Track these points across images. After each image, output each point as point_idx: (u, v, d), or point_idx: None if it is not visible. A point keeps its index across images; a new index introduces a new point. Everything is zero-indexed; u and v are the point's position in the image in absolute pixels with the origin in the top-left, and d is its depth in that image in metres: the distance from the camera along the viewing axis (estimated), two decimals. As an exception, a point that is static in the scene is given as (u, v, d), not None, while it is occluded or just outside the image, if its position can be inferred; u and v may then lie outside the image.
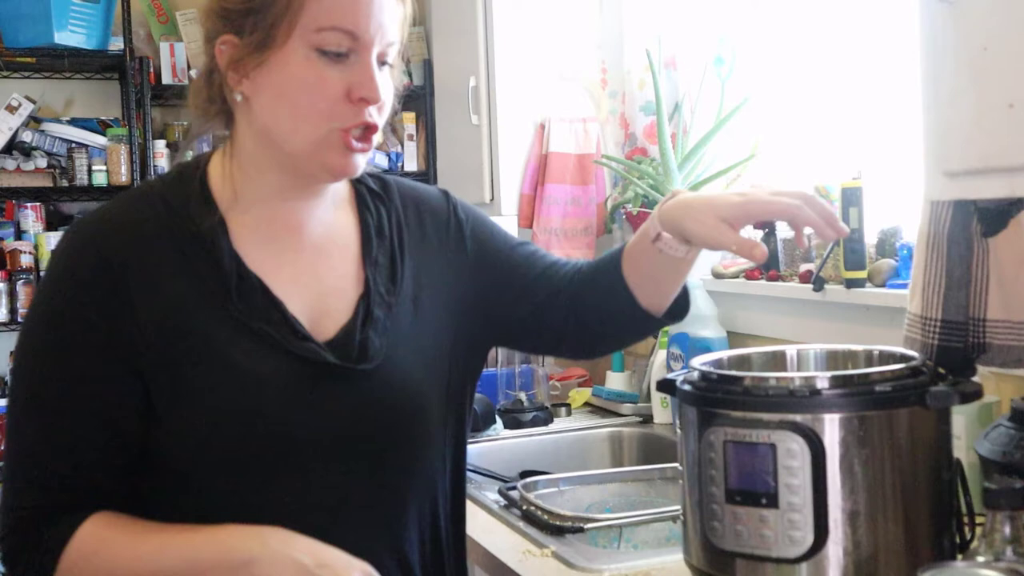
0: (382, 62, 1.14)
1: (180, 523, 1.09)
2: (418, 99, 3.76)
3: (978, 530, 1.10)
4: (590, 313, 1.29)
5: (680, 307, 1.32)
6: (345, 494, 1.15)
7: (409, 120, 3.87)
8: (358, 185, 1.27)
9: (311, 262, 1.19)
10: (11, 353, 3.66)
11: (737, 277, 2.41)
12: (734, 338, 2.42)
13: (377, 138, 1.16)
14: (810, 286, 2.09)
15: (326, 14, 1.09)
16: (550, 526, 1.69)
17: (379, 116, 1.14)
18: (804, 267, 2.19)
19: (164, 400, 1.10)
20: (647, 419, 2.54)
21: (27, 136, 3.63)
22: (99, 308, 1.09)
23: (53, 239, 3.67)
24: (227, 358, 1.10)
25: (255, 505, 1.11)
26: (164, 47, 3.76)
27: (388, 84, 1.15)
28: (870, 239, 2.01)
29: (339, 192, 1.25)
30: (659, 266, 1.24)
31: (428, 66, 3.61)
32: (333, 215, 1.23)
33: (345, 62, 1.11)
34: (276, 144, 1.14)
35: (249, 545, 1.04)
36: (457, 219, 1.31)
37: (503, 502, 1.87)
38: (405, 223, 1.27)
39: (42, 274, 3.58)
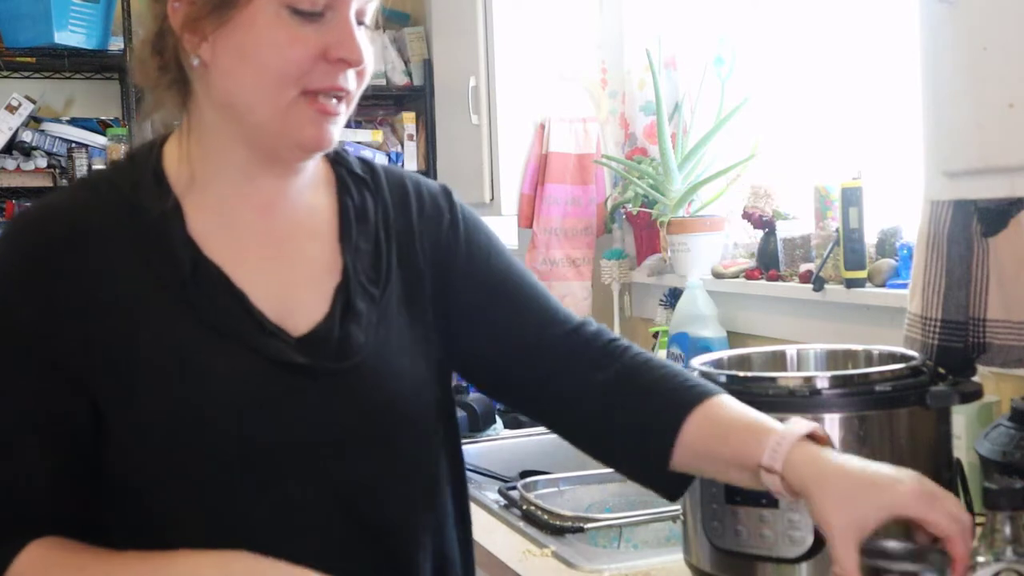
0: (360, 22, 1.02)
1: (140, 550, 0.96)
2: (418, 99, 3.76)
3: (978, 530, 1.10)
4: (601, 424, 1.12)
5: (680, 486, 1.11)
6: (329, 513, 1.02)
7: (409, 120, 3.87)
8: (338, 167, 1.13)
9: (280, 249, 1.05)
10: None
11: (737, 277, 2.41)
12: (734, 338, 2.42)
13: (347, 107, 1.04)
14: (810, 286, 2.09)
15: None
16: (550, 526, 1.69)
17: (356, 83, 1.02)
18: (804, 267, 2.19)
19: (112, 408, 0.97)
20: (647, 419, 2.54)
21: (27, 136, 3.63)
22: (32, 312, 0.97)
23: (53, 239, 3.67)
24: (180, 357, 0.97)
25: (225, 527, 0.98)
26: (164, 47, 3.75)
27: (368, 47, 1.02)
28: (870, 239, 2.01)
29: (317, 174, 1.11)
30: (724, 471, 1.05)
31: (428, 66, 3.61)
32: (309, 198, 1.09)
33: (320, 20, 0.99)
34: (239, 115, 1.02)
35: (205, 575, 0.92)
36: (453, 216, 1.16)
37: (503, 502, 1.87)
38: (392, 210, 1.12)
39: None
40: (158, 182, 1.04)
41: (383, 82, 3.60)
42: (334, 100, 1.01)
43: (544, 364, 1.12)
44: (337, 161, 1.14)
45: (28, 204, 3.66)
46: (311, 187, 1.10)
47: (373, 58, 1.04)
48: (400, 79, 3.68)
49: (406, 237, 1.12)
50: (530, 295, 1.16)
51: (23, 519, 0.96)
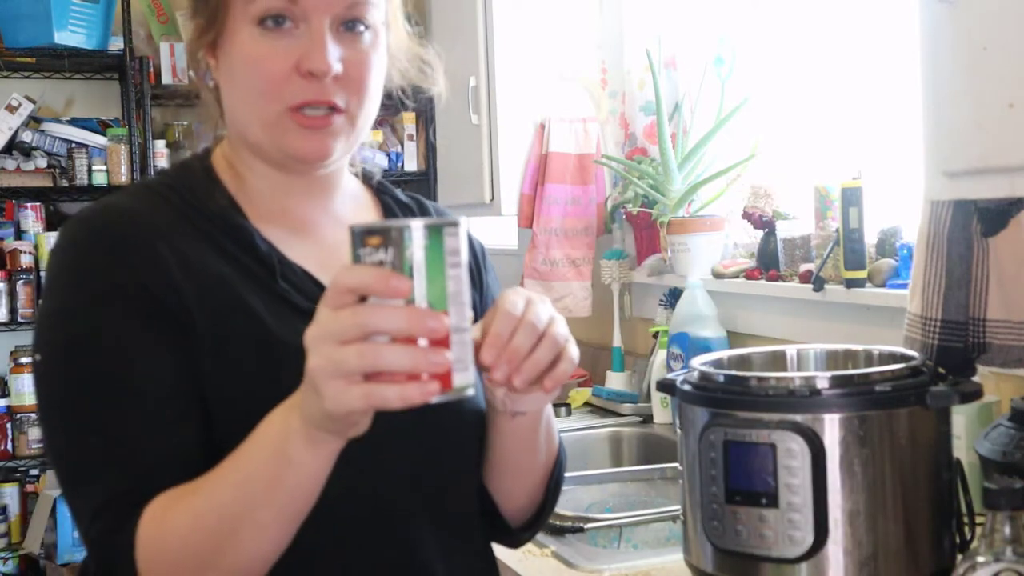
0: (353, 24, 1.01)
1: None
2: (418, 99, 3.76)
3: (978, 530, 1.10)
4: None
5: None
6: (392, 481, 1.04)
7: (409, 120, 3.87)
8: (383, 196, 1.18)
9: (334, 255, 1.06)
10: (11, 354, 3.65)
11: (737, 277, 2.41)
12: (734, 338, 2.42)
13: (349, 121, 1.03)
14: (810, 286, 2.09)
15: None
16: (550, 526, 1.69)
17: (345, 96, 1.01)
18: (804, 267, 2.19)
19: (214, 380, 0.97)
20: (647, 419, 2.54)
21: (27, 136, 3.64)
22: (140, 282, 0.96)
23: (53, 239, 3.66)
24: (278, 337, 0.98)
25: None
26: (164, 47, 3.75)
27: (360, 57, 1.01)
28: (870, 239, 2.01)
29: (362, 200, 1.16)
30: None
31: (436, 56, 3.61)
32: (356, 215, 1.13)
33: (293, 33, 0.99)
34: (243, 133, 1.06)
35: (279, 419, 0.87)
36: (475, 258, 1.21)
37: (503, 502, 1.87)
38: None
39: (42, 273, 3.60)
40: (214, 184, 1.07)
41: (383, 82, 3.60)
42: (322, 112, 1.01)
43: None
44: (382, 190, 1.19)
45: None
46: (355, 207, 1.14)
47: (373, 68, 1.03)
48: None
49: None
50: None
51: (160, 481, 0.93)
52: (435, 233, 0.77)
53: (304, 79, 0.99)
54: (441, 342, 0.77)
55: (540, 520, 1.20)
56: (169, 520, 0.91)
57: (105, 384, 0.95)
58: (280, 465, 0.86)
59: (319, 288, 1.03)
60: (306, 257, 1.07)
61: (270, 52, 0.99)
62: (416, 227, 0.76)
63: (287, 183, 1.08)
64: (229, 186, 1.08)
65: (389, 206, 1.18)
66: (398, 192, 1.20)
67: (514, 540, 1.22)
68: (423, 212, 1.20)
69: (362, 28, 1.02)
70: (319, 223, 1.10)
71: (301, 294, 1.03)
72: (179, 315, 0.97)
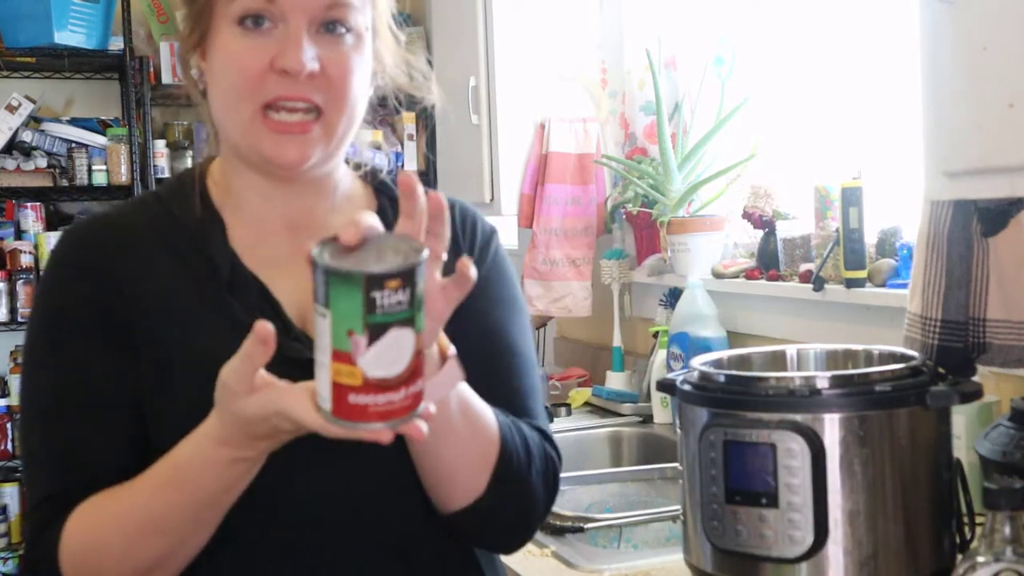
0: (333, 26, 1.01)
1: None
2: (414, 105, 3.76)
3: (978, 530, 1.10)
4: None
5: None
6: (333, 498, 1.03)
7: (409, 120, 3.87)
8: (381, 196, 1.16)
9: (303, 264, 1.05)
10: (11, 354, 3.66)
11: (737, 277, 2.41)
12: (734, 338, 2.42)
13: (326, 125, 1.02)
14: (810, 286, 2.09)
15: None
16: (550, 526, 1.69)
17: (321, 94, 1.01)
18: (804, 267, 2.19)
19: (148, 393, 1.02)
20: (647, 419, 2.54)
21: (27, 136, 3.64)
22: (89, 290, 1.04)
23: (53, 239, 3.67)
24: (214, 351, 0.96)
25: (251, 520, 1.00)
26: (164, 47, 3.75)
27: (339, 58, 1.01)
28: (870, 239, 2.01)
29: (358, 199, 1.14)
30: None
31: (428, 66, 3.62)
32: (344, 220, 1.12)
33: (272, 33, 1.00)
34: (225, 137, 1.07)
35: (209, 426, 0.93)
36: (482, 253, 1.16)
37: (503, 502, 1.87)
38: None
39: (42, 273, 3.61)
40: (202, 197, 1.09)
41: (383, 82, 3.61)
42: (298, 115, 1.01)
43: None
44: (380, 190, 1.16)
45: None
46: (348, 211, 1.10)
47: (355, 71, 1.02)
48: (400, 79, 3.69)
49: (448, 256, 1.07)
50: (509, 370, 1.12)
51: (80, 486, 0.99)
52: (422, 274, 0.79)
53: (278, 76, 1.00)
54: (418, 374, 0.81)
55: (479, 516, 1.05)
56: (104, 538, 0.97)
57: (50, 393, 1.03)
58: (215, 477, 0.92)
59: (268, 303, 1.05)
60: (270, 262, 1.08)
61: (247, 50, 1.00)
62: (420, 268, 0.78)
63: (270, 187, 1.08)
64: (216, 193, 1.10)
65: (384, 208, 1.14)
66: (397, 191, 1.13)
67: (473, 540, 1.12)
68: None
69: (343, 30, 1.02)
70: (299, 226, 1.09)
71: (247, 309, 1.03)
72: (123, 330, 1.03)
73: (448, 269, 0.88)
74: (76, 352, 1.03)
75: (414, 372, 0.80)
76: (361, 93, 1.06)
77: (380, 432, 0.81)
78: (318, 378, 0.81)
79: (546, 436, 1.12)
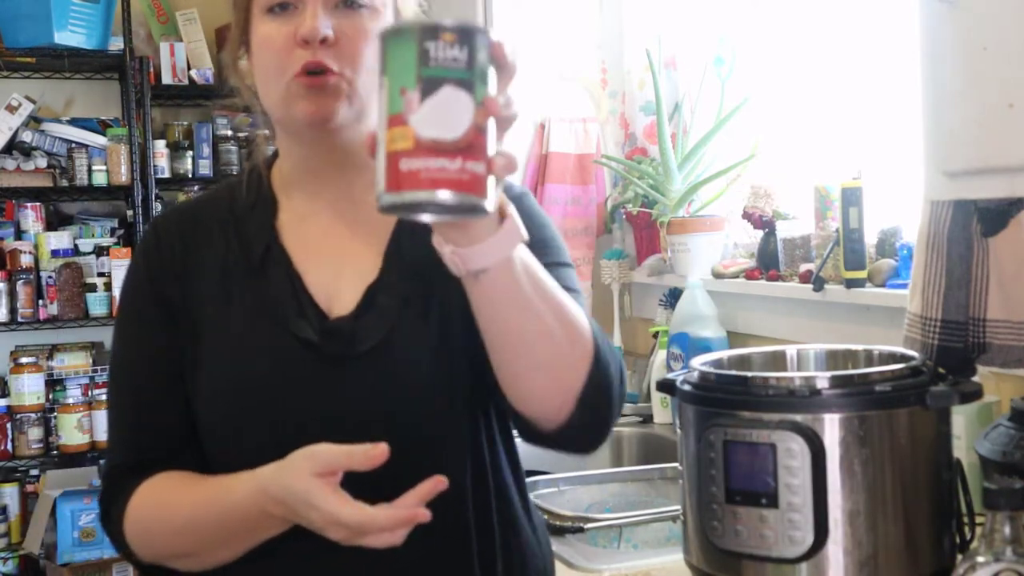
0: (349, 2, 1.11)
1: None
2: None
3: (978, 530, 1.10)
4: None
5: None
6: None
7: (409, 120, 3.87)
8: None
9: (337, 240, 1.18)
10: (11, 354, 3.65)
11: (737, 277, 2.41)
12: (734, 338, 2.42)
13: (348, 84, 1.10)
14: (810, 286, 2.09)
15: None
16: (550, 526, 1.69)
17: (336, 59, 1.10)
18: (804, 267, 2.19)
19: (187, 364, 1.15)
20: (647, 419, 2.54)
21: (27, 136, 3.64)
22: (152, 281, 1.18)
23: (53, 239, 3.67)
24: (234, 327, 1.12)
25: None
26: (164, 47, 3.76)
27: (354, 27, 1.11)
28: (870, 239, 2.01)
29: None
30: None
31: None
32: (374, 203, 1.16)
33: (294, 14, 1.12)
34: (271, 116, 1.19)
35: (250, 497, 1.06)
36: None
37: (503, 502, 1.87)
38: None
39: (42, 273, 3.61)
40: (259, 182, 1.22)
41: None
42: (317, 76, 1.10)
43: None
44: None
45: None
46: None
47: (370, 38, 1.10)
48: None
49: None
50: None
51: (157, 453, 1.15)
52: (489, 46, 0.77)
53: (301, 48, 1.10)
54: (482, 149, 0.77)
55: (585, 417, 1.04)
56: (155, 525, 1.13)
57: (118, 370, 1.20)
58: (255, 530, 1.07)
59: (291, 282, 1.15)
60: (305, 240, 1.18)
61: (275, 31, 1.12)
62: (481, 37, 0.76)
63: (314, 159, 1.18)
64: (276, 178, 1.22)
65: None
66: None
67: (564, 443, 1.11)
68: None
69: (359, 5, 1.12)
70: (340, 201, 1.19)
71: (272, 287, 1.15)
72: (174, 309, 1.16)
73: None
74: (135, 330, 1.18)
75: (473, 145, 0.76)
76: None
77: (435, 197, 0.76)
78: (376, 163, 0.78)
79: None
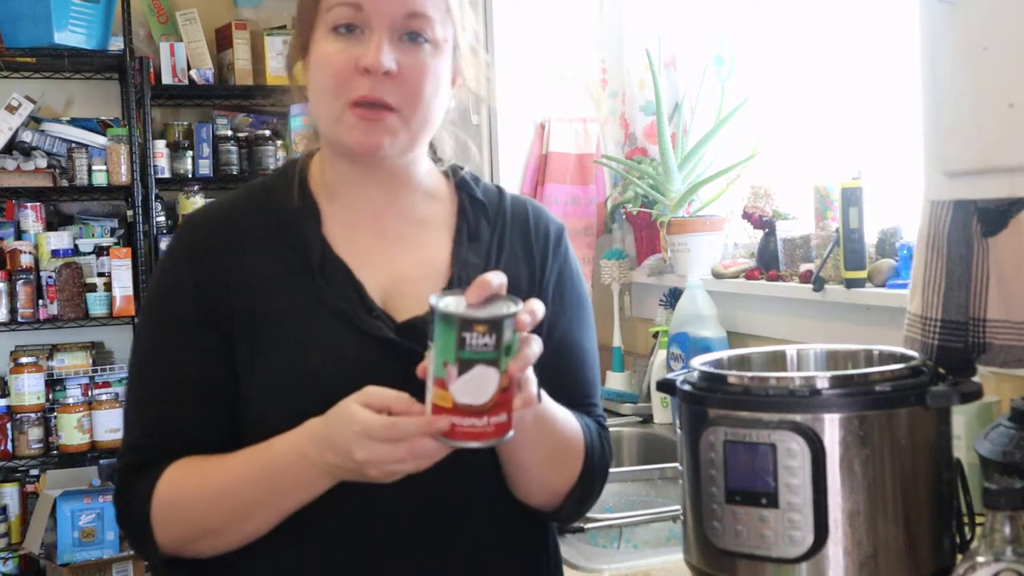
0: (413, 36, 1.15)
1: None
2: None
3: (978, 530, 1.10)
4: None
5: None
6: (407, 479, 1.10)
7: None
8: (461, 193, 1.28)
9: (390, 250, 1.23)
10: (11, 355, 3.66)
11: (737, 277, 2.41)
12: (734, 338, 2.42)
13: (402, 120, 1.15)
14: (810, 286, 2.09)
15: None
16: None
17: (396, 94, 1.14)
18: (804, 267, 2.19)
19: (243, 363, 1.16)
20: (647, 419, 2.54)
21: (27, 136, 3.64)
22: (191, 280, 1.18)
23: (53, 239, 3.67)
24: (301, 329, 1.15)
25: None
26: (164, 47, 3.76)
27: (416, 64, 1.15)
28: (870, 239, 2.01)
29: (440, 193, 1.28)
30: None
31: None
32: (424, 211, 1.26)
33: (360, 37, 1.14)
34: (319, 130, 1.22)
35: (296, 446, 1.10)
36: (555, 261, 1.28)
37: (503, 502, 1.86)
38: (509, 231, 1.27)
39: (42, 273, 3.61)
40: (300, 186, 1.24)
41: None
42: (372, 109, 1.14)
43: None
44: (461, 187, 1.29)
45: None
46: (428, 203, 1.26)
47: (429, 74, 1.15)
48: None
49: (513, 257, 1.26)
50: (573, 370, 1.26)
51: (179, 445, 1.15)
52: (514, 324, 0.98)
53: (362, 76, 1.13)
54: (508, 404, 1.00)
55: (571, 507, 1.23)
56: (187, 496, 1.13)
57: (147, 364, 1.20)
58: (296, 486, 1.09)
59: (353, 286, 1.18)
60: (358, 249, 1.21)
61: (337, 53, 1.15)
62: (508, 320, 0.97)
63: (359, 177, 1.22)
64: (314, 183, 1.24)
65: (463, 203, 1.27)
66: (477, 190, 1.29)
67: (550, 516, 1.26)
68: (500, 206, 1.28)
69: (423, 40, 1.16)
70: (385, 215, 1.23)
71: (335, 291, 1.17)
72: (220, 314, 1.16)
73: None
74: (173, 331, 1.18)
75: (498, 404, 0.98)
76: (436, 96, 1.18)
77: (466, 446, 1.00)
78: (426, 401, 1.00)
79: (603, 427, 1.28)
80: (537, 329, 1.10)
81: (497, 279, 1.00)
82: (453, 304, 0.98)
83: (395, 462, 1.01)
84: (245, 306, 1.16)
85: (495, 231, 1.27)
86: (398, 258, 1.23)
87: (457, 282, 1.20)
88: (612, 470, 1.95)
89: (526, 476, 1.19)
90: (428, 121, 1.19)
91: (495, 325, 0.96)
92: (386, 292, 1.20)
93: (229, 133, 3.88)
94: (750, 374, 1.22)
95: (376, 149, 1.16)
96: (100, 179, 3.66)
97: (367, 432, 1.00)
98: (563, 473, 1.20)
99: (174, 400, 1.17)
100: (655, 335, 2.58)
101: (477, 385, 0.97)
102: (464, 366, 0.97)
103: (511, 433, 1.01)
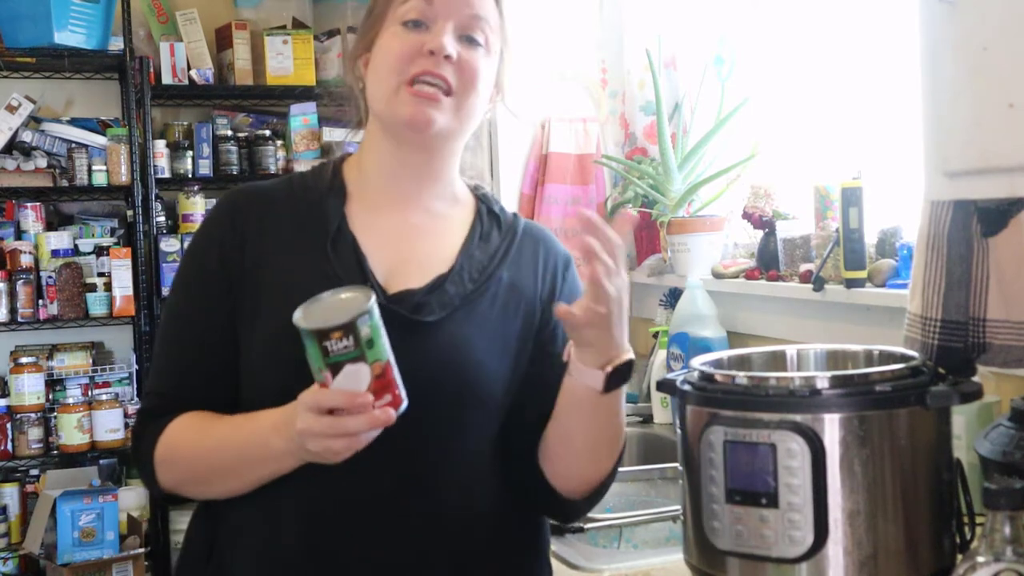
0: (469, 38, 1.27)
1: None
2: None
3: (978, 530, 1.10)
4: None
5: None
6: (382, 441, 1.15)
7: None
8: (481, 204, 1.40)
9: (405, 236, 1.31)
10: (11, 355, 3.65)
11: (737, 277, 2.41)
12: (734, 338, 2.42)
13: (455, 102, 1.25)
14: (810, 286, 2.09)
15: None
16: (550, 526, 1.69)
17: (455, 76, 1.25)
18: (804, 267, 2.19)
19: (243, 322, 1.26)
20: (647, 419, 2.54)
21: (27, 136, 3.63)
22: (220, 245, 1.29)
23: (53, 239, 3.67)
24: (298, 292, 1.18)
25: None
26: (164, 47, 3.75)
27: (472, 58, 1.27)
28: (870, 239, 2.01)
29: (461, 197, 1.38)
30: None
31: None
32: (444, 209, 1.35)
33: (425, 31, 1.26)
34: (373, 110, 1.30)
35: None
36: (561, 285, 1.36)
37: (503, 502, 1.86)
38: (517, 247, 1.36)
39: (42, 273, 3.61)
40: (333, 174, 1.34)
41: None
42: (429, 87, 1.24)
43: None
44: (482, 200, 1.41)
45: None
46: (449, 204, 1.37)
47: (482, 71, 1.28)
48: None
49: (518, 269, 1.34)
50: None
51: (192, 393, 1.27)
52: (370, 314, 1.06)
53: (424, 57, 1.24)
54: (387, 386, 1.08)
55: (585, 501, 1.32)
56: (184, 446, 1.25)
57: (175, 318, 1.32)
58: (267, 457, 1.19)
59: (359, 261, 1.27)
60: (374, 230, 1.30)
61: (404, 40, 1.26)
62: (361, 318, 1.06)
63: (398, 162, 1.31)
64: (349, 173, 1.34)
65: (480, 211, 1.38)
66: (496, 206, 1.41)
67: (568, 514, 1.35)
68: (512, 224, 1.38)
69: (478, 42, 1.28)
70: (408, 205, 1.33)
71: (338, 260, 1.26)
72: (236, 271, 1.27)
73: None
74: (199, 290, 1.29)
75: (378, 390, 1.07)
76: (483, 93, 1.31)
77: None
78: None
79: None
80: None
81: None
82: (314, 313, 1.08)
83: (321, 435, 1.07)
84: (254, 269, 1.27)
85: (504, 240, 1.36)
86: (409, 244, 1.31)
87: (457, 270, 1.29)
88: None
89: (574, 458, 1.26)
90: (473, 113, 1.31)
91: (348, 328, 1.05)
92: (389, 270, 1.28)
93: (229, 133, 3.88)
94: (750, 374, 1.22)
95: (428, 124, 1.25)
96: (100, 179, 3.66)
97: (303, 402, 1.08)
98: (600, 464, 1.28)
99: (192, 353, 1.28)
100: (655, 335, 2.58)
101: (352, 382, 1.06)
102: (335, 368, 1.06)
103: (404, 406, 1.10)
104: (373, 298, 1.08)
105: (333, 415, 1.07)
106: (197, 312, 1.29)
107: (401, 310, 1.23)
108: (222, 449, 1.23)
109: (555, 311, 1.15)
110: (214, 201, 3.78)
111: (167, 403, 1.28)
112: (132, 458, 1.33)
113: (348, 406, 1.06)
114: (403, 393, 1.10)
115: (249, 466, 1.21)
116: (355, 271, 1.26)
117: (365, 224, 1.31)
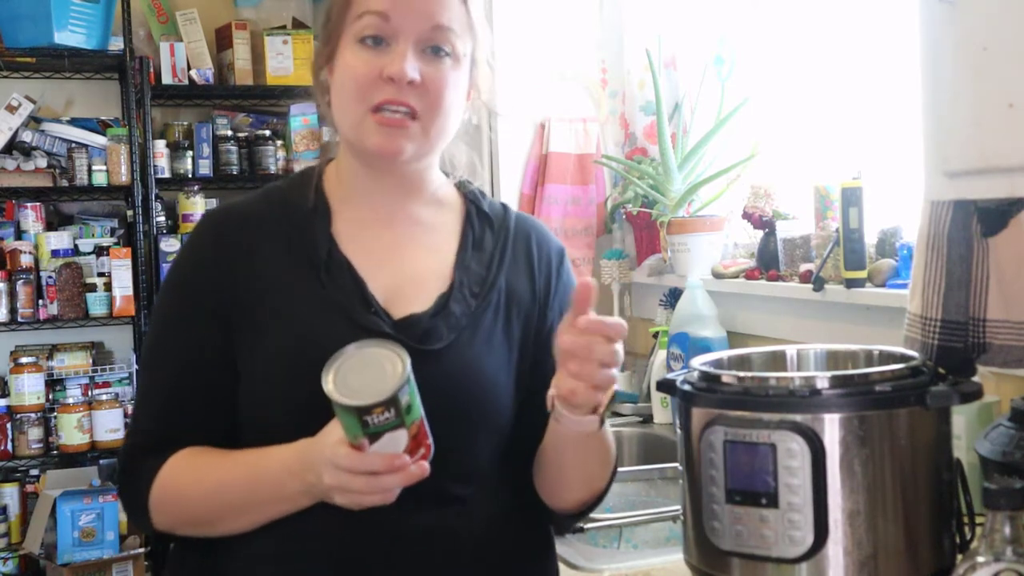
0: (436, 49, 1.21)
1: None
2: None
3: (978, 530, 1.10)
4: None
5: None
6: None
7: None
8: (470, 204, 1.34)
9: (398, 252, 1.28)
10: (11, 355, 3.65)
11: (737, 277, 2.41)
12: (734, 338, 2.42)
13: (422, 127, 1.20)
14: (810, 286, 2.09)
15: (363, 1, 1.20)
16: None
17: (421, 102, 1.19)
18: (804, 267, 2.19)
19: (244, 353, 1.20)
20: (647, 419, 2.54)
21: (27, 136, 3.63)
22: (203, 272, 1.24)
23: (53, 239, 3.67)
24: (300, 322, 1.19)
25: None
26: (164, 47, 3.76)
27: (437, 76, 1.20)
28: (870, 239, 2.01)
29: (448, 200, 1.33)
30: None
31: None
32: (432, 218, 1.31)
33: (385, 49, 1.19)
34: (341, 133, 1.26)
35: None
36: (556, 278, 1.34)
37: (503, 502, 1.86)
38: (511, 247, 1.33)
39: (42, 273, 3.61)
40: (316, 190, 1.29)
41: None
42: (397, 114, 1.19)
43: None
44: (469, 199, 1.35)
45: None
46: (436, 210, 1.32)
47: (450, 86, 1.21)
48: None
49: (514, 270, 1.31)
50: None
51: (182, 432, 1.21)
52: (409, 381, 1.03)
53: (385, 83, 1.18)
54: (421, 442, 1.07)
55: (578, 515, 1.32)
56: (183, 489, 1.19)
57: (158, 349, 1.25)
58: (280, 499, 1.15)
59: (356, 284, 1.23)
60: (366, 249, 1.26)
61: (363, 63, 1.20)
62: (402, 389, 1.03)
63: (372, 179, 1.27)
64: (329, 187, 1.29)
65: (471, 214, 1.33)
66: (484, 203, 1.35)
67: (561, 526, 1.36)
68: (503, 221, 1.34)
69: (444, 53, 1.21)
70: (394, 219, 1.28)
71: (336, 287, 1.22)
72: (229, 304, 1.21)
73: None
74: (182, 321, 1.23)
75: (413, 449, 1.06)
76: (454, 107, 1.24)
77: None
78: None
79: None
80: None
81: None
82: (348, 383, 1.04)
83: (357, 492, 1.06)
84: (249, 298, 1.21)
85: (498, 242, 1.32)
86: (404, 260, 1.27)
87: (458, 286, 1.26)
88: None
89: (565, 485, 1.26)
90: (445, 131, 1.24)
91: (390, 403, 1.02)
92: (389, 292, 1.24)
93: (229, 133, 3.88)
94: (750, 374, 1.22)
95: (396, 154, 1.21)
96: (100, 179, 3.66)
97: (334, 460, 1.06)
98: (594, 485, 1.27)
99: (180, 388, 1.22)
100: (655, 335, 2.58)
101: (390, 447, 1.04)
102: (373, 438, 1.04)
103: (433, 451, 1.09)
104: (408, 361, 1.05)
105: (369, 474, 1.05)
106: (185, 344, 1.23)
107: (411, 341, 1.17)
108: (226, 491, 1.18)
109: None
110: (214, 201, 3.80)
111: (156, 441, 1.22)
112: (120, 497, 1.27)
113: (387, 470, 1.04)
114: (431, 440, 1.08)
115: (258, 507, 1.17)
116: (356, 298, 1.22)
117: (355, 244, 1.26)
